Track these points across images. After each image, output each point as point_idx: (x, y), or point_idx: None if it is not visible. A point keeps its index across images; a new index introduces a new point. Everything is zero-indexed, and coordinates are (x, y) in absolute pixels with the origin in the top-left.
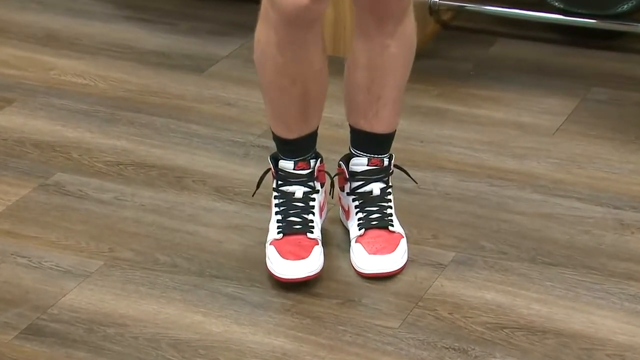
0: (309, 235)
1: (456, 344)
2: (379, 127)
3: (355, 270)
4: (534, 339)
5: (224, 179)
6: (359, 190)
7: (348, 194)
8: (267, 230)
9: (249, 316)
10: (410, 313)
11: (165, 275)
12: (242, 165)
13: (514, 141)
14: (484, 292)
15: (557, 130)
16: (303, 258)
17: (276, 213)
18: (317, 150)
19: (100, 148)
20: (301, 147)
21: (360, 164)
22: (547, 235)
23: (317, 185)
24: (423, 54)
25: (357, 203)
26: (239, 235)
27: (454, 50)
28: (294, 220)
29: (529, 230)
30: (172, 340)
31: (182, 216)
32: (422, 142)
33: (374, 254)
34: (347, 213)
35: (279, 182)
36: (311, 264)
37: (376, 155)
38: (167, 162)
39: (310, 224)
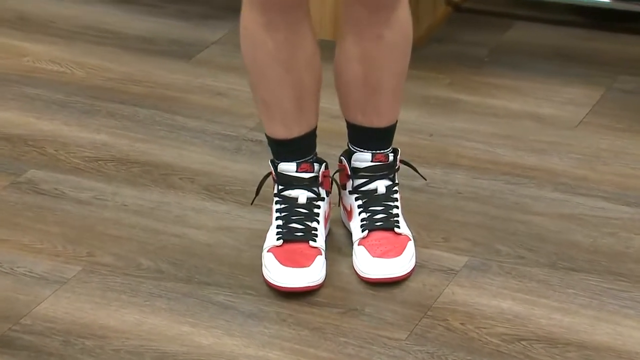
0: (311, 243)
1: (469, 358)
2: (379, 121)
3: (358, 275)
4: (555, 352)
5: (214, 176)
6: (362, 189)
7: (350, 192)
8: (262, 231)
9: (242, 327)
10: (419, 323)
11: (149, 282)
12: (233, 161)
13: (532, 135)
14: (500, 301)
15: (580, 122)
16: (304, 266)
17: (277, 219)
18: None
19: (78, 142)
20: (302, 147)
21: (363, 159)
22: (568, 238)
23: (322, 193)
24: (433, 38)
25: (360, 202)
26: (230, 238)
27: (466, 35)
28: (295, 227)
29: (549, 233)
30: (157, 353)
31: (168, 217)
32: (431, 135)
33: (378, 257)
34: (349, 213)
35: (281, 187)
36: (313, 274)
37: (380, 151)
38: (152, 158)
39: (313, 232)
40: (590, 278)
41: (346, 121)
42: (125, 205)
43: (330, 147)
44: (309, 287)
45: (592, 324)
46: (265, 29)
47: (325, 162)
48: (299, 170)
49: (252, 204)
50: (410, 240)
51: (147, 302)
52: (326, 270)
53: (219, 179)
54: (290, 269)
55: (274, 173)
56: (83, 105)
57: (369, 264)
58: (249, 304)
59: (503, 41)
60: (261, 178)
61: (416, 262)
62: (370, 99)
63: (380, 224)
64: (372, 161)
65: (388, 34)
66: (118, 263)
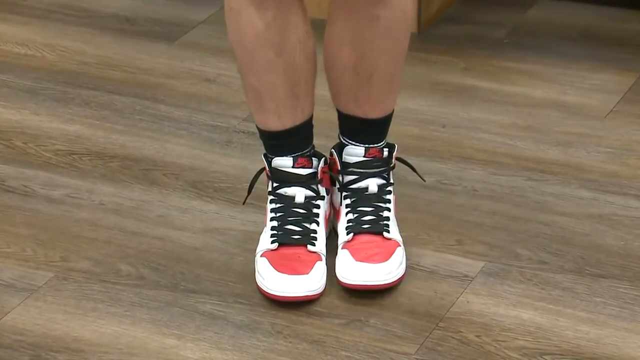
0: (310, 248)
1: None
2: (372, 111)
3: (338, 280)
4: None
5: (202, 171)
6: (352, 186)
7: (339, 189)
8: (255, 234)
9: (233, 339)
10: (430, 336)
11: (129, 289)
12: (223, 155)
13: (556, 126)
14: (520, 311)
15: (610, 112)
16: (302, 274)
17: (271, 219)
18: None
19: (49, 134)
20: (297, 139)
21: (355, 154)
22: (597, 241)
23: (322, 191)
24: (446, 18)
25: (348, 201)
26: (220, 241)
27: (484, 14)
28: (292, 229)
29: (575, 235)
30: None
31: (150, 217)
32: (444, 126)
33: (361, 261)
34: (337, 213)
35: (275, 184)
36: (312, 282)
37: (374, 145)
38: (132, 152)
39: (312, 235)
40: (620, 285)
41: (337, 110)
42: (102, 204)
43: (328, 138)
44: (307, 296)
45: (622, 337)
46: (253, 7)
47: (324, 156)
48: (295, 165)
49: (244, 203)
50: (400, 246)
51: (127, 312)
52: (327, 278)
53: (207, 175)
54: (287, 276)
55: (267, 169)
56: (55, 93)
57: (349, 268)
58: (240, 314)
59: (524, 21)
60: (254, 174)
61: (423, 268)
62: (363, 86)
63: (368, 226)
64: (364, 156)
65: (384, 14)
66: (95, 269)
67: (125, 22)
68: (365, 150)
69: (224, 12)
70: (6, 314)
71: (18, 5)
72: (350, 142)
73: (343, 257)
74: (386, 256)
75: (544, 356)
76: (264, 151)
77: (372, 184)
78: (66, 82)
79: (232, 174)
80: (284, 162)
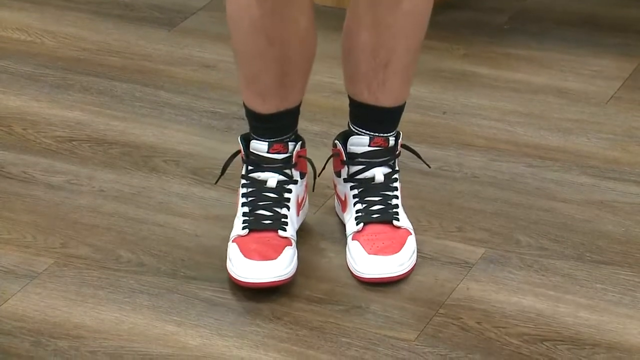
0: (280, 233)
1: None
2: (385, 99)
3: (352, 273)
4: (582, 355)
5: (202, 158)
6: (358, 176)
7: (345, 180)
8: None
9: (233, 326)
10: (430, 322)
11: (129, 276)
12: (223, 142)
13: (557, 112)
14: (520, 297)
15: (610, 98)
16: (271, 259)
17: (243, 205)
18: (314, 125)
19: (49, 120)
20: (278, 125)
21: (360, 143)
22: (598, 228)
23: (296, 175)
24: (446, 4)
25: (355, 192)
26: (220, 228)
27: (484, 0)
28: (263, 214)
29: (575, 222)
30: (139, 355)
31: (150, 204)
32: (444, 113)
33: (374, 254)
34: (343, 204)
35: (249, 168)
36: (280, 267)
37: (380, 134)
38: (132, 138)
39: (283, 220)
40: (621, 272)
41: (349, 97)
42: (102, 190)
43: (332, 126)
44: (275, 282)
45: (622, 323)
46: None
47: (302, 140)
48: (270, 151)
49: (215, 183)
50: (411, 234)
51: (127, 299)
52: (297, 262)
53: (207, 162)
54: (254, 262)
55: (243, 152)
56: (54, 79)
57: (363, 261)
58: (240, 300)
59: (525, 6)
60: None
61: (424, 255)
62: (378, 73)
63: (378, 216)
64: (369, 145)
65: (408, 2)
66: (95, 255)
67: (125, 8)
68: (370, 139)
69: None
70: (6, 301)
71: None
72: (359, 129)
73: (355, 250)
74: (398, 247)
75: (544, 342)
76: (242, 133)
77: (378, 173)
78: (66, 68)
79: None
80: (259, 146)
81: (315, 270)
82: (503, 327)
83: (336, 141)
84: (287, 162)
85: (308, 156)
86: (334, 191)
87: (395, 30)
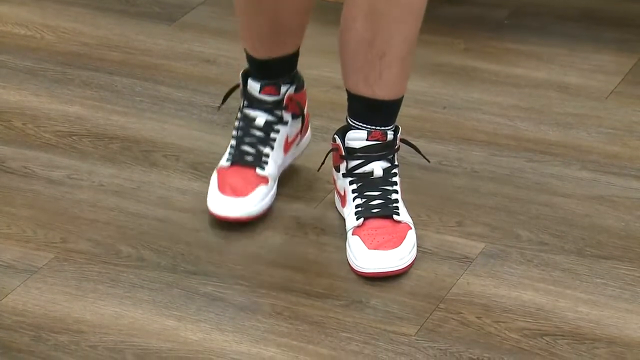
0: (258, 171)
1: (486, 355)
2: (382, 92)
3: (352, 268)
4: (582, 349)
5: (202, 153)
6: (357, 171)
7: (344, 175)
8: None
9: (233, 321)
10: (430, 317)
11: (129, 270)
12: (223, 137)
13: (557, 107)
14: (520, 292)
15: (611, 93)
16: (241, 196)
17: (233, 137)
18: (313, 120)
19: (49, 115)
20: (270, 70)
21: (358, 138)
22: (598, 222)
23: (287, 117)
24: None
25: (354, 187)
26: (220, 223)
27: None
28: (246, 150)
29: (575, 216)
30: (139, 350)
31: (150, 199)
32: (444, 107)
33: (374, 249)
34: (342, 199)
35: (245, 103)
36: (248, 204)
37: (378, 128)
38: (132, 133)
39: (264, 159)
40: (621, 266)
41: (347, 91)
42: (102, 185)
43: (331, 120)
44: (241, 217)
45: (623, 318)
46: None
47: (296, 83)
48: (262, 92)
49: (218, 109)
50: (411, 228)
51: (128, 294)
52: (270, 201)
53: (207, 157)
54: (225, 197)
55: (242, 88)
56: (54, 74)
57: (363, 256)
58: (240, 295)
59: (526, 1)
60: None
61: (424, 250)
62: (375, 65)
63: (377, 210)
64: (367, 139)
65: None
66: (95, 250)
67: (125, 3)
68: (367, 133)
69: None
70: (6, 295)
71: None
72: (357, 123)
73: (355, 245)
74: (398, 242)
75: (544, 337)
76: (243, 70)
77: (377, 168)
78: (66, 63)
79: None
80: (254, 86)
81: (315, 265)
82: (503, 322)
83: (335, 136)
84: (277, 105)
85: (308, 151)
86: (333, 186)
87: (390, 19)
